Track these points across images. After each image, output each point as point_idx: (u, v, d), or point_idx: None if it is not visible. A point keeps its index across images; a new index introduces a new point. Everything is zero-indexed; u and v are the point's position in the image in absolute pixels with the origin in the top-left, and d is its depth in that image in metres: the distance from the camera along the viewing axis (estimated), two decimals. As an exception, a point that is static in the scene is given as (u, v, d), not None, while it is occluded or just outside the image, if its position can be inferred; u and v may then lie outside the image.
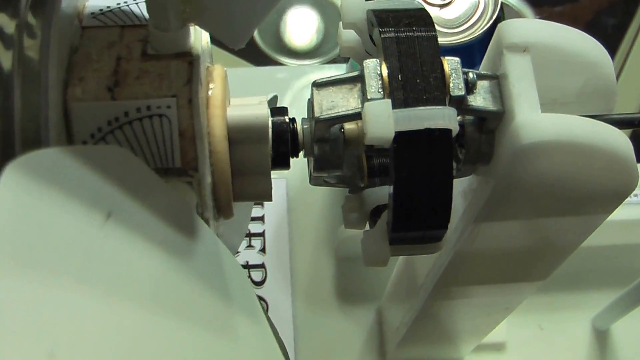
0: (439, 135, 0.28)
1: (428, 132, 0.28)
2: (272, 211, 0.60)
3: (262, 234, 0.59)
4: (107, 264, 0.22)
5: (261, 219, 0.60)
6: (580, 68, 0.32)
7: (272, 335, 0.28)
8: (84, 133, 0.28)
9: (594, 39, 0.33)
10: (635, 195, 0.55)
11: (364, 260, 0.32)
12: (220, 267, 0.28)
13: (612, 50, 0.74)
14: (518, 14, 0.78)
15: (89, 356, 0.20)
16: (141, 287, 0.23)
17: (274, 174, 0.58)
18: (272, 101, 0.37)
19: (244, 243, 0.58)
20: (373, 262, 0.31)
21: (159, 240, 0.25)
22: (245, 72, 0.71)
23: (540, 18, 0.77)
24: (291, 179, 0.60)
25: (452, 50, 0.48)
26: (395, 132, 0.28)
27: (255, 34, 0.80)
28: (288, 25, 0.80)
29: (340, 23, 0.33)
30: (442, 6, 0.49)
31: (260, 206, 0.60)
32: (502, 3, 0.49)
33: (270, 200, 0.33)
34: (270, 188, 0.32)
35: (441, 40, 0.47)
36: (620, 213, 0.54)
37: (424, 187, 0.29)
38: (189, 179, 0.29)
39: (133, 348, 0.21)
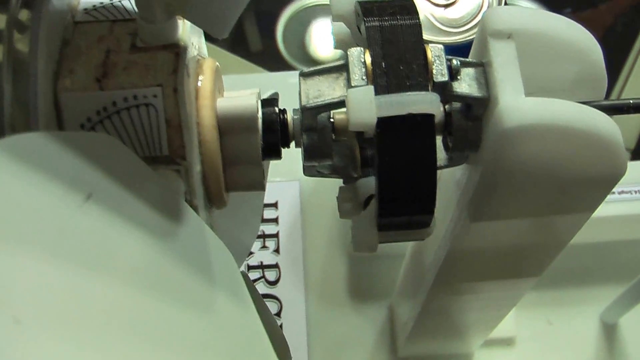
0: (422, 120, 0.28)
1: (411, 117, 0.28)
2: (285, 213, 0.61)
3: (276, 235, 0.60)
4: (83, 240, 0.23)
5: (275, 220, 0.60)
6: (568, 55, 0.32)
7: (257, 316, 0.29)
8: (73, 123, 0.29)
9: (582, 27, 0.33)
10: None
11: (353, 246, 0.32)
12: (204, 250, 0.28)
13: (625, 49, 0.74)
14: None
15: (56, 323, 0.20)
16: (117, 262, 0.24)
17: (288, 177, 0.59)
18: (272, 97, 0.38)
19: (258, 244, 0.59)
20: (362, 248, 0.32)
21: (141, 222, 0.26)
22: (259, 77, 0.72)
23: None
24: (304, 181, 0.61)
25: (457, 49, 0.48)
26: (378, 117, 0.28)
27: (280, 45, 0.81)
28: (313, 36, 0.81)
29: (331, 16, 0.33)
30: (446, 6, 0.49)
31: (274, 208, 0.61)
32: (506, 2, 0.49)
33: (263, 190, 0.34)
34: (262, 178, 0.33)
35: (447, 39, 0.48)
36: (627, 208, 0.54)
37: (408, 173, 0.29)
38: (176, 167, 0.29)
39: (101, 317, 0.22)
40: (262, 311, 0.31)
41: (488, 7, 0.49)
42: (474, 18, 0.49)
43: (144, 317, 0.23)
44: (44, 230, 0.22)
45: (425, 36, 0.47)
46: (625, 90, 0.72)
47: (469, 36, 0.48)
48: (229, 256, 0.30)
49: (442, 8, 0.49)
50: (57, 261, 0.21)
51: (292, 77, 0.68)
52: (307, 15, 0.83)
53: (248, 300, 0.29)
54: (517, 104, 0.29)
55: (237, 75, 0.69)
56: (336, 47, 0.34)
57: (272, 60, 0.79)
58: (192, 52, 0.31)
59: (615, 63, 0.72)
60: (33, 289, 0.20)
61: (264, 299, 0.56)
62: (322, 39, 0.81)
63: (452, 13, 0.49)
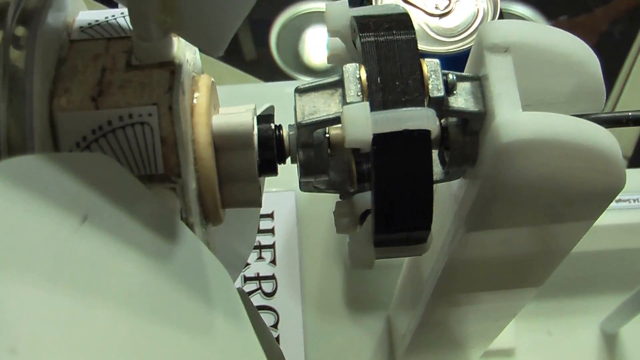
0: (418, 136, 0.28)
1: (407, 133, 0.28)
2: (282, 223, 0.61)
3: (272, 246, 0.60)
4: (79, 265, 0.23)
5: (271, 231, 0.60)
6: (565, 68, 0.32)
7: (255, 336, 0.29)
8: (69, 142, 0.29)
9: (580, 40, 0.33)
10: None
11: (350, 263, 0.32)
12: (201, 270, 0.28)
13: (621, 56, 0.74)
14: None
15: (53, 351, 0.20)
16: (114, 286, 0.23)
17: (284, 187, 0.59)
18: (269, 111, 0.38)
19: (255, 255, 0.59)
20: (359, 265, 0.32)
21: (137, 243, 0.25)
22: (254, 88, 0.72)
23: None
24: (300, 191, 0.61)
25: (452, 58, 0.48)
26: (374, 134, 0.28)
27: (274, 52, 0.81)
28: (307, 44, 0.81)
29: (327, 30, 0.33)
30: (441, 16, 0.49)
31: (270, 218, 0.61)
32: (501, 10, 0.49)
33: (260, 206, 0.34)
34: (259, 194, 0.33)
35: (441, 49, 0.48)
36: (625, 217, 0.54)
37: (404, 189, 0.29)
38: (172, 185, 0.29)
39: (100, 345, 0.21)
40: (259, 329, 0.31)
41: (483, 16, 0.49)
42: (469, 28, 0.49)
43: (142, 342, 0.23)
44: (40, 256, 0.22)
45: (420, 46, 0.47)
46: (622, 94, 0.72)
47: (463, 46, 0.48)
48: (225, 275, 0.30)
49: (437, 18, 0.49)
50: (53, 288, 0.21)
51: (288, 87, 0.68)
52: (300, 23, 0.83)
53: (245, 320, 0.29)
54: (514, 119, 0.29)
55: (232, 86, 0.69)
56: (330, 62, 0.34)
57: (266, 68, 0.79)
58: (187, 68, 0.31)
59: (611, 68, 0.73)
60: (29, 317, 0.20)
61: (261, 311, 0.56)
62: (316, 46, 0.81)
63: (447, 23, 0.49)
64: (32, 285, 0.21)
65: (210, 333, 0.27)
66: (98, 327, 0.22)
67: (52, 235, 0.22)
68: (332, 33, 0.33)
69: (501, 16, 0.49)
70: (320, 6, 0.84)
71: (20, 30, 0.29)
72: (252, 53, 0.82)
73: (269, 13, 0.83)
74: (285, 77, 0.79)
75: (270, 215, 0.61)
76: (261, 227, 0.60)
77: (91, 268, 0.23)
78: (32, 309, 0.20)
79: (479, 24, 0.49)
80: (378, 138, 0.28)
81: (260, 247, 0.59)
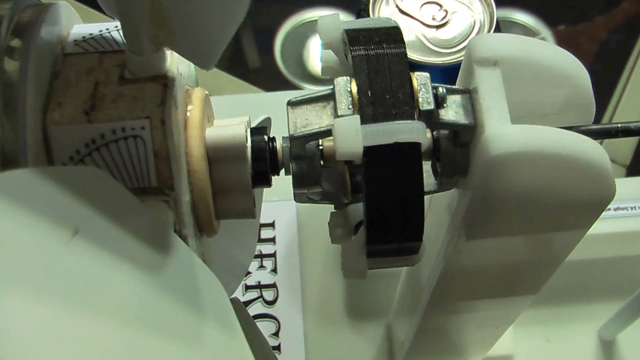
0: (408, 149, 0.29)
1: (397, 146, 0.28)
2: (283, 232, 0.61)
3: (273, 255, 0.60)
4: (70, 278, 0.23)
5: (272, 240, 0.61)
6: (555, 81, 0.32)
7: (247, 346, 0.29)
8: (63, 156, 0.29)
9: (569, 53, 0.33)
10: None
11: (343, 273, 0.32)
12: (193, 281, 0.29)
13: (621, 63, 0.74)
14: (534, 33, 0.79)
15: None
16: (105, 299, 0.24)
17: (284, 196, 0.59)
18: (265, 122, 0.38)
19: (256, 264, 0.60)
20: (352, 275, 0.32)
21: (128, 256, 0.26)
22: (255, 97, 0.72)
23: (556, 35, 0.78)
24: (301, 201, 0.61)
25: (449, 69, 0.48)
26: (365, 146, 0.28)
27: (279, 61, 0.81)
28: (311, 52, 0.81)
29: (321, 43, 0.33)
30: (438, 27, 0.49)
31: (271, 228, 0.61)
32: (498, 22, 0.49)
33: (254, 217, 0.34)
34: (253, 206, 0.33)
35: (438, 59, 0.48)
36: (623, 225, 0.55)
37: (395, 201, 0.29)
38: (165, 197, 0.30)
39: (91, 357, 0.22)
40: (255, 339, 0.31)
41: (479, 27, 0.49)
42: (466, 39, 0.49)
43: (133, 353, 0.23)
44: (30, 270, 0.22)
45: (417, 57, 0.48)
46: (621, 102, 0.72)
47: (460, 57, 0.49)
48: (218, 286, 0.30)
49: (434, 29, 0.50)
50: (44, 301, 0.21)
51: (289, 96, 0.67)
52: (305, 31, 0.83)
53: (237, 330, 0.29)
54: (503, 132, 0.29)
55: (233, 96, 0.69)
56: (323, 74, 0.35)
57: (270, 77, 0.80)
58: (181, 81, 0.31)
59: (611, 76, 0.73)
60: (20, 330, 0.20)
61: (262, 319, 0.56)
62: (320, 55, 0.81)
63: (444, 34, 0.50)
64: (23, 299, 0.21)
65: (201, 343, 0.27)
66: (89, 340, 0.22)
67: (42, 249, 0.23)
68: (326, 46, 0.33)
69: (497, 27, 0.49)
70: (325, 15, 0.84)
71: (15, 42, 0.29)
72: (256, 61, 0.82)
73: (273, 21, 0.83)
74: (290, 85, 0.79)
75: (272, 225, 0.61)
76: (262, 236, 0.61)
77: (82, 281, 0.23)
78: (23, 322, 0.21)
79: (476, 35, 0.49)
80: (369, 150, 0.28)
81: (261, 256, 0.60)
